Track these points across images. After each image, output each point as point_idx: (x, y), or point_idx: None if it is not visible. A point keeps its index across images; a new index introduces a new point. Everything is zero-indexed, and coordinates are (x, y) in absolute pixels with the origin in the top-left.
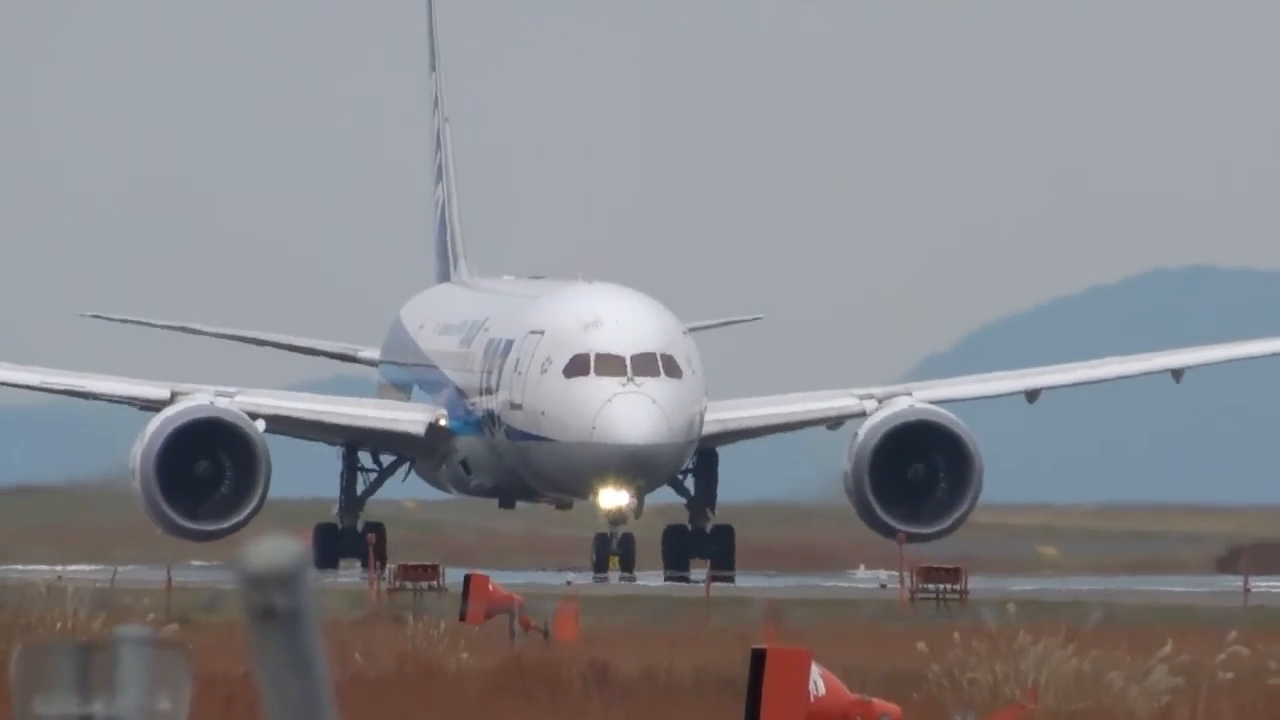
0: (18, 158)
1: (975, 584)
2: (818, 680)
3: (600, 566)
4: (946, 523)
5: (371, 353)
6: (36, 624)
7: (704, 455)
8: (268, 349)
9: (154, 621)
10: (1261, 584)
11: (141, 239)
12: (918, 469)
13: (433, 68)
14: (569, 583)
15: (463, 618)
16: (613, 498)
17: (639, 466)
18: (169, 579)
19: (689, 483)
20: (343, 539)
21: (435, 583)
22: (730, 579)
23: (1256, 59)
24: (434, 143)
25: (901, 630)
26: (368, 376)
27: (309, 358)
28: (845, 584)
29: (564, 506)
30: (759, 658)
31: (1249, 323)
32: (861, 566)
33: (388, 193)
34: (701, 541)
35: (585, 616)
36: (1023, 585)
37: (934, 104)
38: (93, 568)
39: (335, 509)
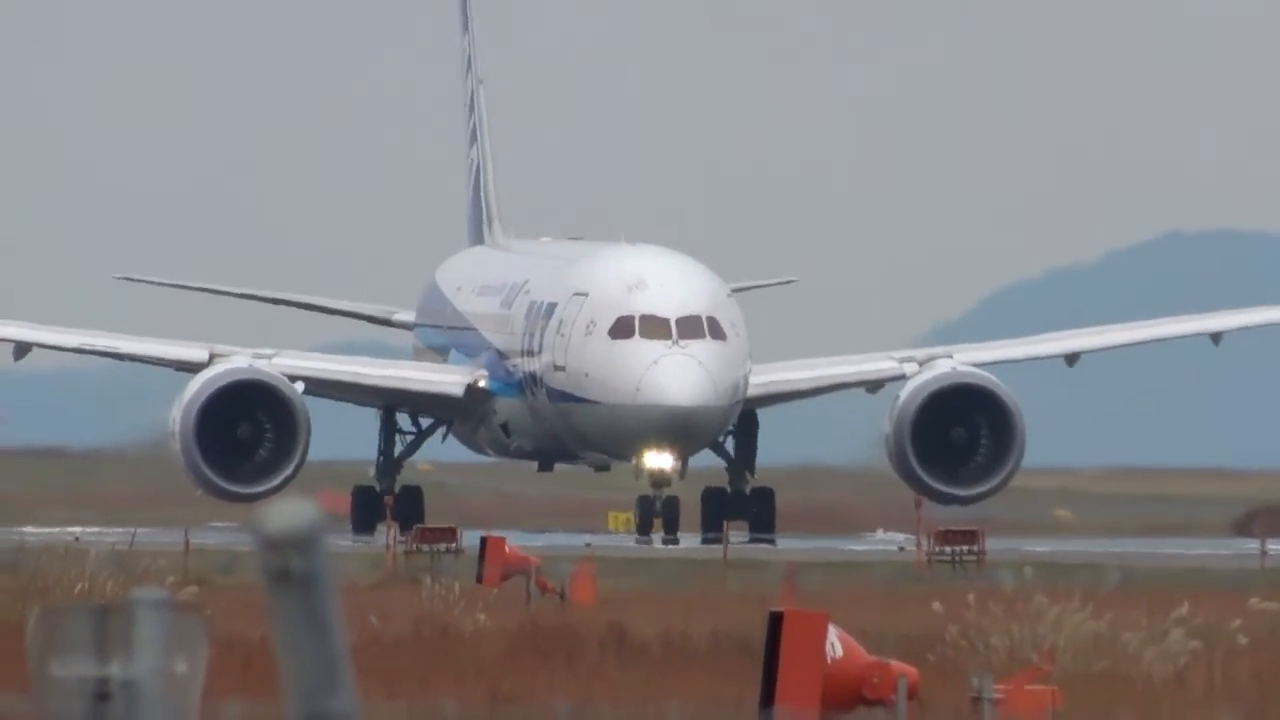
0: (52, 120)
1: (992, 546)
2: (835, 642)
3: (644, 529)
4: (988, 485)
5: (406, 315)
6: (54, 586)
7: (744, 418)
8: (301, 312)
9: (171, 584)
10: (1278, 546)
11: (174, 203)
12: (959, 432)
13: (465, 29)
14: (588, 545)
15: (480, 580)
16: (656, 460)
17: (684, 429)
18: (186, 541)
19: (729, 445)
20: (381, 501)
21: (452, 545)
22: (771, 541)
23: (1271, 24)
24: (467, 105)
25: (918, 593)
26: (401, 340)
27: (341, 321)
28: (863, 546)
29: (602, 469)
30: (776, 620)
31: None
32: (880, 530)
33: (419, 156)
34: (741, 504)
35: (602, 579)
36: (1039, 548)
37: (950, 73)
38: (113, 530)
39: (372, 471)
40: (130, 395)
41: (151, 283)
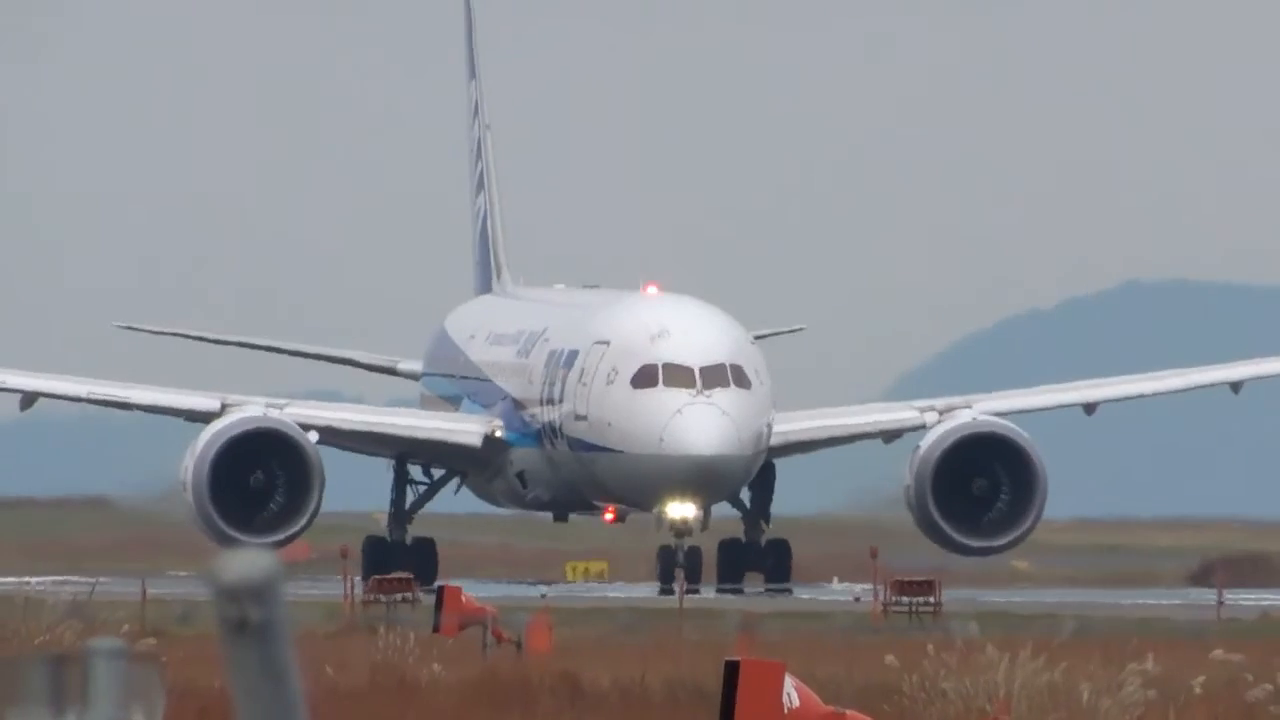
0: (57, 168)
1: (949, 597)
2: (791, 692)
3: (666, 578)
4: (1010, 536)
5: (411, 365)
6: (12, 636)
7: (762, 467)
8: (300, 360)
9: (128, 634)
10: (1235, 597)
11: (173, 251)
12: (981, 483)
13: (472, 75)
14: (543, 595)
15: (436, 629)
16: (679, 510)
17: (708, 478)
18: (144, 591)
19: (744, 495)
20: (392, 552)
21: (409, 594)
22: (788, 591)
23: (1230, 73)
24: (474, 152)
25: (875, 643)
26: (405, 390)
27: (342, 372)
28: (822, 596)
29: (618, 520)
30: (733, 670)
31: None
32: (835, 579)
33: (424, 204)
34: (756, 555)
35: (558, 628)
36: (997, 598)
37: (908, 119)
38: (72, 579)
39: (384, 522)
40: (89, 444)
41: (152, 332)
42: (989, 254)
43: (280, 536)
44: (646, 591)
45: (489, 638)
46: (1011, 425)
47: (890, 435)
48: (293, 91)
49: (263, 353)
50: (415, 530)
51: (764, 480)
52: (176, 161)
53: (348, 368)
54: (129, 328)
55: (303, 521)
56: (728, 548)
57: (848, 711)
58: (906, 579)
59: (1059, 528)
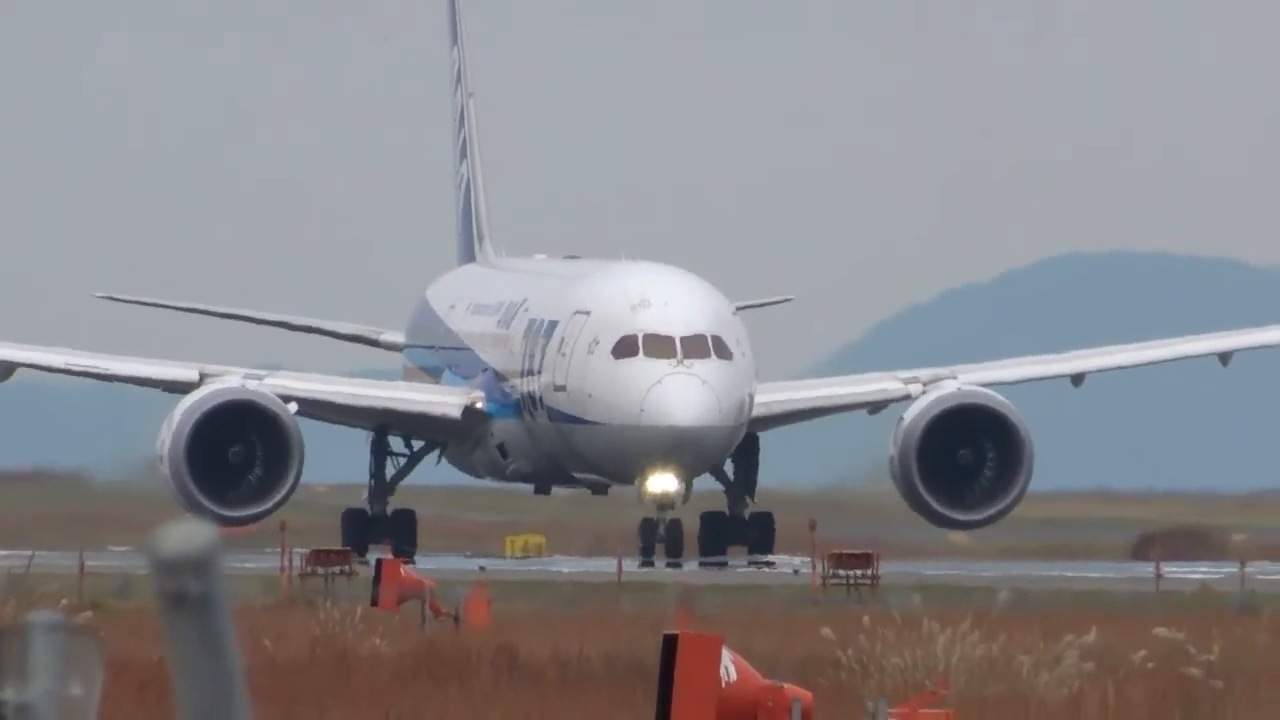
0: (39, 137)
1: (886, 570)
2: (729, 666)
3: (647, 552)
4: (995, 508)
5: (394, 336)
6: None
7: (745, 439)
8: (283, 332)
9: (66, 607)
10: (1173, 570)
11: (155, 221)
12: (966, 453)
13: (454, 42)
14: (482, 568)
15: (374, 603)
16: (660, 482)
17: (688, 450)
18: (81, 564)
19: (728, 468)
20: (373, 525)
21: (347, 568)
22: (770, 565)
23: (1170, 42)
24: (457, 120)
25: (813, 616)
26: (389, 361)
27: (325, 343)
28: (740, 568)
29: (599, 492)
30: (670, 643)
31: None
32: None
33: (406, 173)
34: (740, 528)
35: (497, 602)
36: (934, 571)
37: (855, 94)
38: (9, 553)
39: (365, 495)
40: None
41: (134, 302)
42: (931, 226)
43: (259, 509)
44: (585, 565)
45: (427, 611)
46: (997, 396)
47: (875, 406)
48: (274, 59)
49: (244, 324)
50: (353, 499)
51: (748, 453)
52: (158, 131)
53: (331, 339)
54: (109, 298)
55: (281, 494)
56: (710, 520)
57: (785, 685)
58: (844, 552)
59: None
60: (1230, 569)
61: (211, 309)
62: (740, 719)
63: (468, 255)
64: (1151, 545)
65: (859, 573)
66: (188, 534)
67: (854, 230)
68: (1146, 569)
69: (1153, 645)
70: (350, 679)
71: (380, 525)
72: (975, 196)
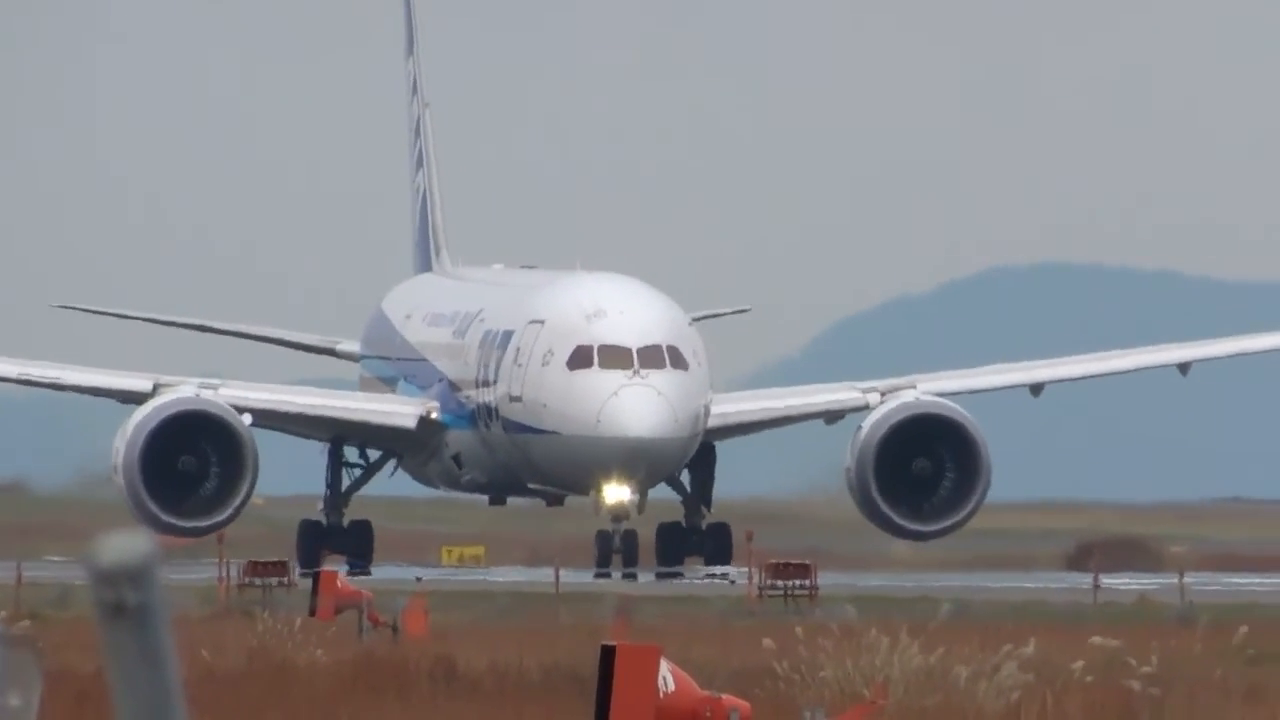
0: None
1: (824, 580)
2: (667, 677)
3: (603, 563)
4: (953, 519)
5: (350, 345)
6: None
7: (701, 450)
8: (242, 342)
9: (4, 618)
10: (1111, 581)
11: (112, 231)
12: (923, 464)
13: (410, 52)
14: (419, 579)
15: (312, 613)
16: (615, 493)
17: (644, 461)
18: (19, 575)
19: (684, 478)
20: (328, 536)
21: (285, 579)
22: (727, 577)
23: (1096, 53)
24: (413, 130)
25: (751, 627)
26: (346, 371)
27: (282, 353)
28: (696, 580)
29: (555, 503)
30: (608, 654)
31: (1102, 319)
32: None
33: (362, 183)
34: (697, 539)
35: (434, 613)
36: (872, 581)
37: (784, 103)
38: None
39: (320, 505)
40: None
41: (91, 311)
42: (863, 240)
43: (213, 520)
44: (523, 575)
45: (365, 621)
46: (955, 406)
47: (832, 416)
48: (229, 68)
49: (201, 334)
50: (291, 511)
51: (704, 464)
52: (111, 140)
53: (287, 349)
54: (66, 307)
55: (235, 504)
56: (667, 532)
57: (723, 695)
58: (782, 561)
59: None
60: (1169, 580)
61: (166, 319)
62: None
63: (424, 265)
64: (1090, 556)
65: (796, 583)
66: (126, 545)
67: (795, 242)
68: (1085, 580)
69: (1090, 655)
70: (288, 689)
71: (336, 536)
72: (914, 206)
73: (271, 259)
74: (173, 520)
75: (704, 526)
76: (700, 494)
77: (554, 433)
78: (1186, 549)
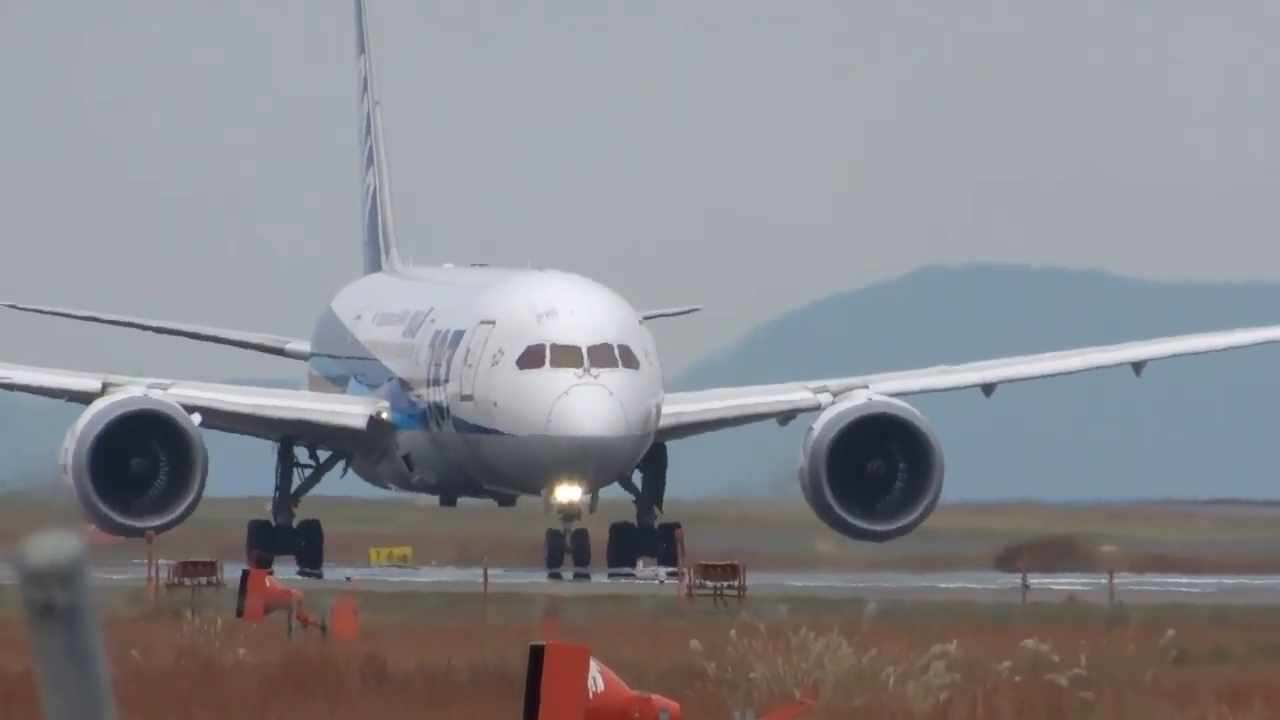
0: None
1: (753, 581)
2: (596, 677)
3: (554, 563)
4: (905, 520)
5: (300, 345)
6: None
7: (653, 450)
8: (190, 342)
9: None
10: (1040, 581)
11: (59, 230)
12: (877, 464)
13: (362, 50)
14: (348, 579)
15: (241, 613)
16: (566, 493)
17: (595, 460)
18: None
19: (636, 479)
20: (278, 536)
21: (213, 578)
22: (680, 576)
23: (1030, 55)
24: (364, 128)
25: (680, 627)
26: (295, 371)
27: (231, 353)
28: (625, 579)
29: (507, 503)
30: (537, 654)
31: (1028, 320)
32: (640, 562)
33: (312, 182)
34: (649, 539)
35: (364, 613)
36: (801, 582)
37: (723, 101)
38: None
39: (269, 506)
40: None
41: (36, 310)
42: (793, 240)
43: (163, 520)
44: (452, 575)
45: (294, 621)
46: (908, 406)
47: (785, 417)
48: (179, 66)
49: (148, 334)
50: (218, 513)
51: (655, 463)
52: (59, 138)
53: (236, 349)
54: (13, 307)
55: (185, 504)
56: (619, 531)
57: (653, 696)
58: (711, 563)
59: None
60: (1099, 580)
61: (114, 318)
62: None
63: (374, 264)
64: (1018, 556)
65: (726, 583)
66: (55, 545)
67: (730, 241)
68: (1013, 580)
69: (1018, 656)
70: (216, 689)
71: (285, 536)
72: (844, 206)
73: (220, 258)
74: (122, 520)
75: (656, 526)
76: (652, 494)
77: (505, 432)
78: (1117, 549)
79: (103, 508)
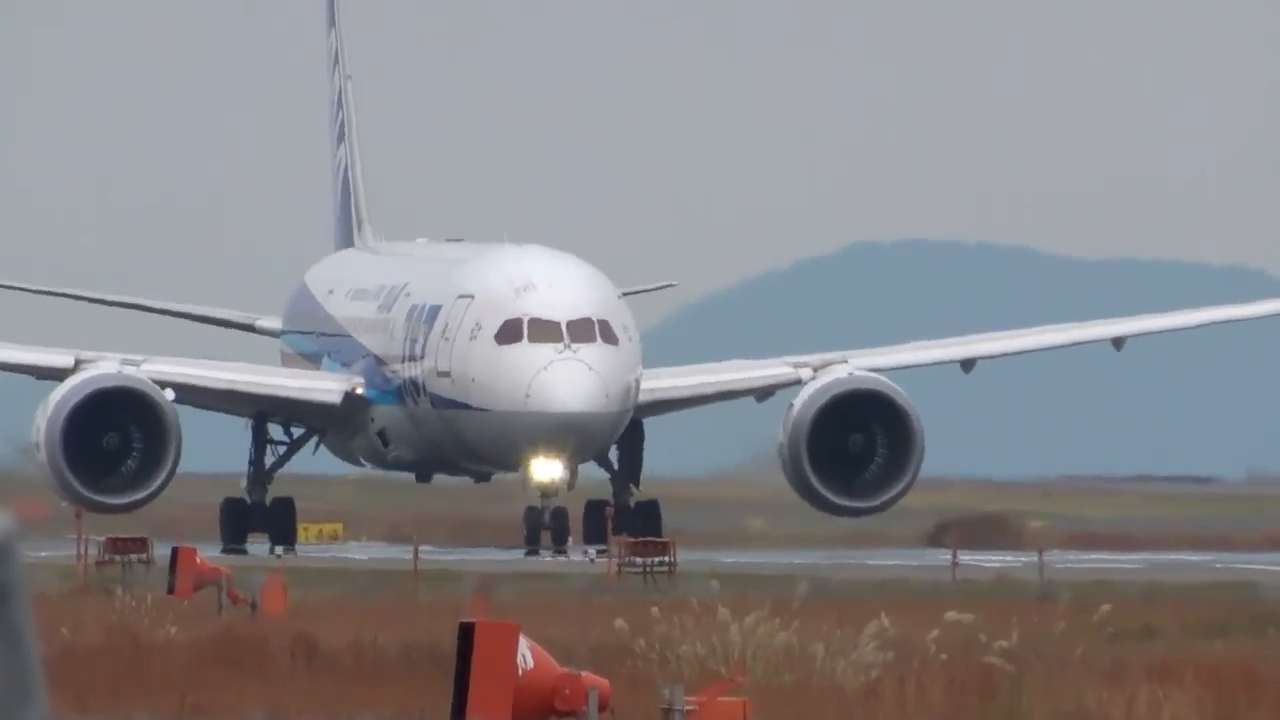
0: None
1: (683, 558)
2: (526, 654)
3: (532, 540)
4: (885, 496)
5: (271, 321)
6: None
7: (630, 426)
8: (160, 319)
9: None
10: (970, 558)
11: (26, 206)
12: (857, 439)
13: (332, 24)
14: (278, 555)
15: (171, 590)
16: (545, 469)
17: (575, 436)
18: None
19: (613, 455)
20: (251, 514)
21: (144, 555)
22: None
23: (970, 30)
24: (335, 102)
25: (609, 604)
26: (264, 346)
27: (201, 329)
28: (555, 557)
29: (482, 480)
30: (467, 631)
31: (962, 294)
32: (571, 540)
33: (282, 157)
34: (626, 517)
35: (293, 589)
36: (731, 559)
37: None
38: None
39: (244, 483)
40: None
41: (4, 287)
42: (724, 214)
43: (137, 497)
44: (382, 552)
45: (224, 598)
46: (888, 381)
47: (763, 393)
48: (150, 42)
49: (119, 310)
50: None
51: (632, 440)
52: (28, 112)
53: (206, 325)
54: None
55: (159, 481)
56: (595, 509)
57: (583, 673)
58: (641, 540)
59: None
60: (1028, 557)
61: (83, 294)
62: (537, 707)
63: (346, 240)
64: (948, 533)
65: (656, 560)
66: None
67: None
68: (943, 557)
69: (946, 630)
70: (146, 666)
71: (259, 514)
72: (775, 183)
73: (189, 234)
74: (95, 496)
75: (633, 504)
76: (629, 471)
77: (483, 408)
78: (1046, 526)
79: (76, 484)
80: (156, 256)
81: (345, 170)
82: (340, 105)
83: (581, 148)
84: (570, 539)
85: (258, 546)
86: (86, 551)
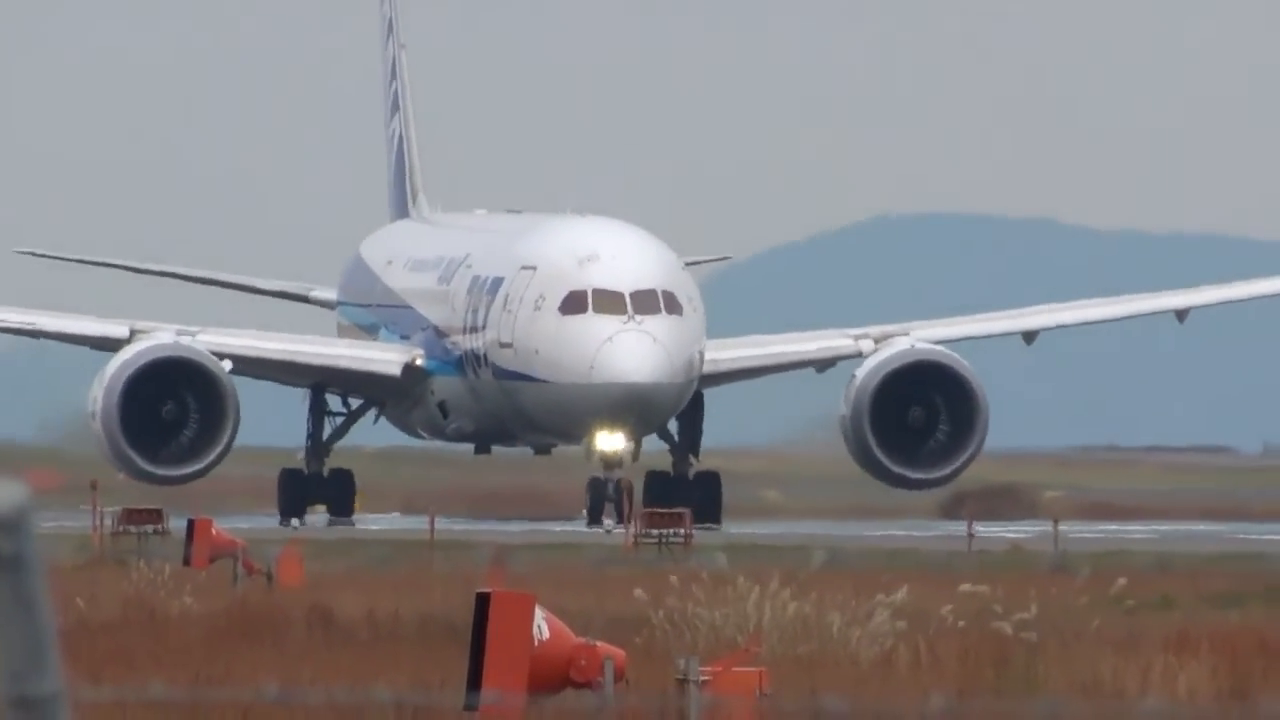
0: None
1: (700, 529)
2: (542, 625)
3: (595, 512)
4: (950, 468)
5: (325, 293)
6: None
7: (691, 398)
8: (212, 290)
9: None
10: (985, 529)
11: (79, 176)
12: (918, 412)
13: None
14: (294, 526)
15: (187, 562)
16: (609, 441)
17: (639, 408)
18: None
19: (672, 427)
20: (309, 485)
21: (159, 526)
22: (718, 526)
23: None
24: (389, 73)
25: (626, 575)
26: (321, 319)
27: (255, 301)
28: (572, 528)
29: (542, 452)
30: (483, 602)
31: (977, 267)
32: (585, 510)
33: (337, 128)
34: (685, 488)
35: (309, 561)
36: (747, 529)
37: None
38: None
39: (301, 454)
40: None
41: (56, 258)
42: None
43: (193, 469)
44: (396, 524)
45: (240, 570)
46: (951, 353)
47: (824, 364)
48: (202, 16)
49: (172, 282)
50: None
51: (692, 412)
52: (84, 87)
53: (260, 296)
54: (30, 253)
55: (216, 452)
56: (655, 480)
57: (598, 643)
58: (657, 510)
59: (809, 458)
60: (1043, 528)
61: (137, 265)
62: (553, 677)
63: (401, 211)
64: (963, 504)
65: (672, 531)
66: None
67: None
68: (958, 528)
69: (960, 602)
70: (163, 638)
71: (316, 485)
72: (800, 154)
73: (243, 205)
74: (152, 468)
75: (692, 476)
76: (688, 442)
77: (546, 380)
78: (1061, 496)
79: (132, 455)
80: (211, 228)
81: (400, 141)
82: (394, 75)
83: (633, 121)
84: (630, 510)
85: (316, 517)
86: (102, 523)
